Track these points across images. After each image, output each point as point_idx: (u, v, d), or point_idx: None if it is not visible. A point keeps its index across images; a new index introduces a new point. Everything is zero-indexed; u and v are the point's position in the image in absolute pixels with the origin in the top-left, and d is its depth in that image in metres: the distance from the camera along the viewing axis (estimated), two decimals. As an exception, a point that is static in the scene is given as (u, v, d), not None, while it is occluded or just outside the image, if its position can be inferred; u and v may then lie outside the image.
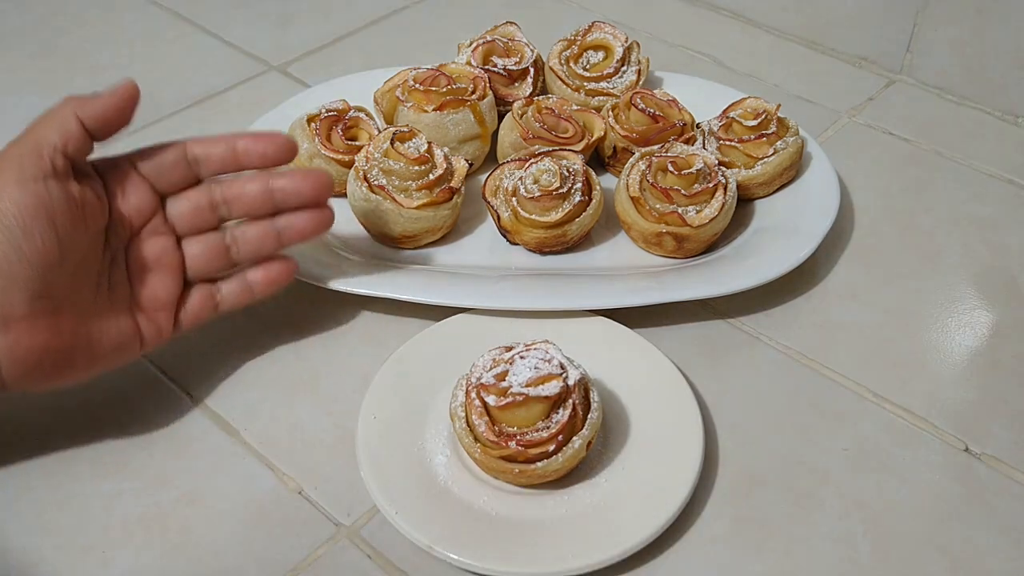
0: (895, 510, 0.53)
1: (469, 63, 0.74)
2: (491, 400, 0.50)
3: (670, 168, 0.64)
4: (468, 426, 0.51)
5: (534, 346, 0.52)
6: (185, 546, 0.51)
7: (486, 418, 0.51)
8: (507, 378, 0.51)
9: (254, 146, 0.55)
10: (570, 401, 0.51)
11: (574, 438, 0.51)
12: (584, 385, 0.53)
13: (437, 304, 0.61)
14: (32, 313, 0.48)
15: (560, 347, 0.53)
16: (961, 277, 0.67)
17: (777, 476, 0.54)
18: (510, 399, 0.50)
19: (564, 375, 0.51)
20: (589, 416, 0.52)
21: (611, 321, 0.61)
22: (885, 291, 0.66)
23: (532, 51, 0.77)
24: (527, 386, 0.50)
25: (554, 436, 0.50)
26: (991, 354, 0.62)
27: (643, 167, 0.66)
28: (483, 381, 0.51)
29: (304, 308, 0.64)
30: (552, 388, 0.50)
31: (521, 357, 0.51)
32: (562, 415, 0.50)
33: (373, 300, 0.63)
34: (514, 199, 0.65)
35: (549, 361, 0.51)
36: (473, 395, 0.51)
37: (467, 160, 0.68)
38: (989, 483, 0.54)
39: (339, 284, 0.62)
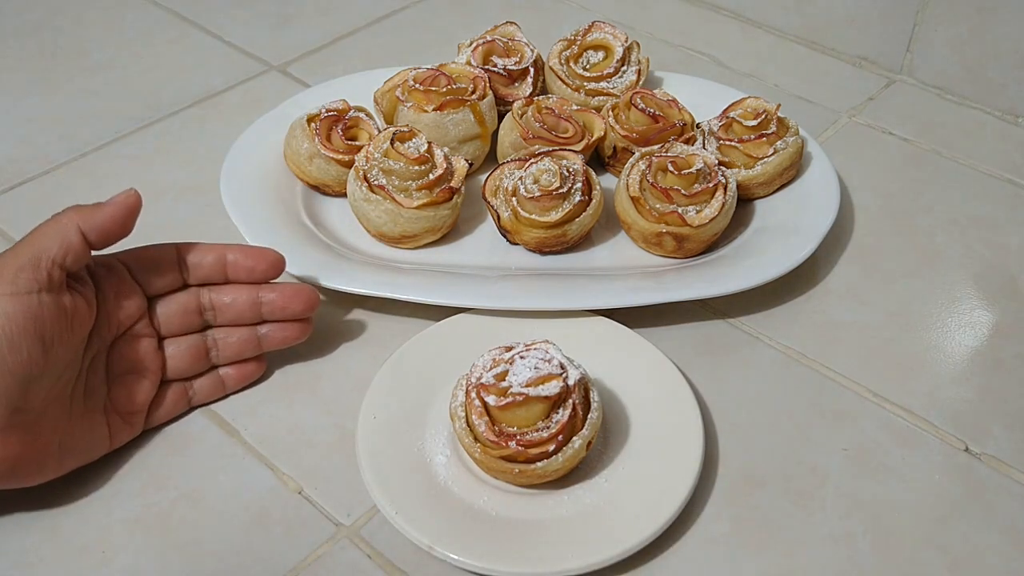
0: (895, 510, 0.53)
1: (469, 63, 0.74)
2: (491, 400, 0.50)
3: (670, 168, 0.64)
4: (468, 426, 0.51)
5: (534, 346, 0.52)
6: (185, 546, 0.51)
7: (486, 418, 0.51)
8: (507, 378, 0.51)
9: (243, 260, 0.56)
10: (570, 401, 0.51)
11: (574, 438, 0.51)
12: (584, 385, 0.53)
13: (437, 304, 0.61)
14: (8, 426, 0.47)
15: (560, 347, 0.53)
16: (961, 277, 0.67)
17: (777, 476, 0.54)
18: (510, 399, 0.50)
19: (564, 375, 0.51)
20: (589, 416, 0.52)
21: (611, 321, 0.61)
22: (885, 291, 0.66)
23: (532, 51, 0.77)
24: (527, 386, 0.50)
25: (554, 436, 0.50)
26: (991, 354, 0.62)
27: (643, 167, 0.66)
28: (483, 381, 0.51)
29: (304, 308, 0.64)
30: (552, 388, 0.50)
31: (521, 357, 0.51)
32: (562, 415, 0.50)
33: (373, 300, 0.63)
34: (514, 199, 0.65)
35: (549, 361, 0.51)
36: (473, 395, 0.51)
37: (467, 160, 0.68)
38: (989, 483, 0.54)
39: (339, 284, 0.62)
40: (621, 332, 0.60)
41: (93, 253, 0.52)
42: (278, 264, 0.57)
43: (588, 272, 0.65)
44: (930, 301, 0.65)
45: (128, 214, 0.52)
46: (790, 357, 0.61)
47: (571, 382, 0.51)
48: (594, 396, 0.53)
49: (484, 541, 0.50)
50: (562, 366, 0.51)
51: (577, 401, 0.51)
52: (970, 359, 0.61)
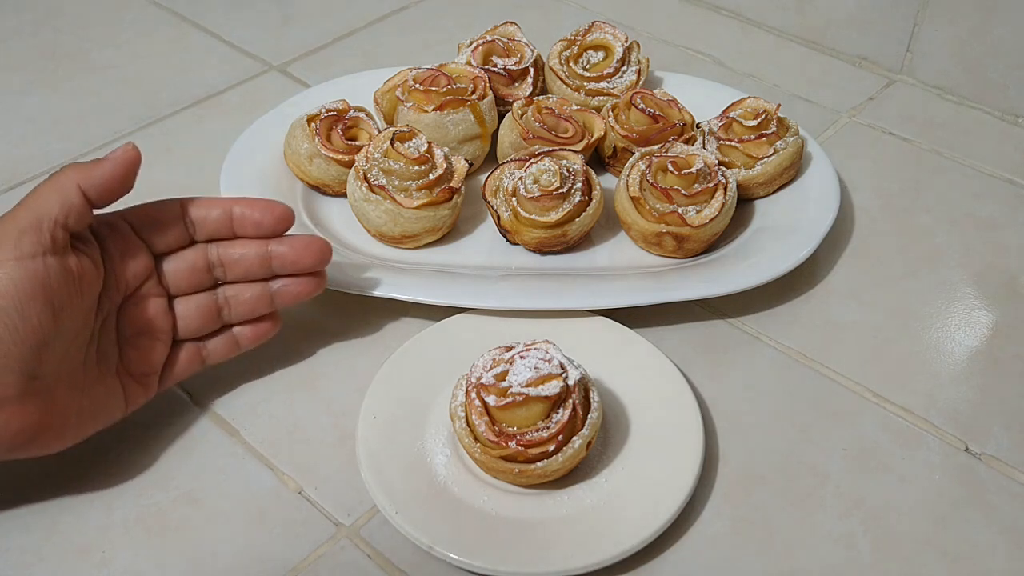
0: (895, 510, 0.53)
1: (469, 63, 0.74)
2: (491, 400, 0.50)
3: (670, 168, 0.64)
4: (468, 426, 0.51)
5: (534, 346, 0.52)
6: (185, 546, 0.51)
7: (486, 418, 0.51)
8: (507, 378, 0.51)
9: (250, 213, 0.55)
10: (570, 401, 0.51)
11: (574, 438, 0.51)
12: (584, 385, 0.53)
13: (437, 304, 0.61)
14: (24, 393, 0.47)
15: (560, 347, 0.53)
16: (961, 277, 0.67)
17: (777, 476, 0.54)
18: (510, 399, 0.50)
19: (564, 375, 0.51)
20: (589, 416, 0.52)
21: (611, 321, 0.61)
22: (885, 291, 0.66)
23: (532, 51, 0.77)
24: (527, 386, 0.50)
25: (554, 436, 0.50)
26: (991, 354, 0.62)
27: (643, 167, 0.66)
28: (483, 381, 0.51)
29: (304, 308, 0.64)
30: (552, 388, 0.50)
31: (521, 357, 0.51)
32: (562, 415, 0.50)
33: (373, 300, 0.63)
34: (514, 199, 0.65)
35: (549, 361, 0.51)
36: (473, 395, 0.51)
37: (467, 160, 0.68)
38: (989, 483, 0.54)
39: (339, 284, 0.62)
40: (621, 332, 0.60)
41: (95, 212, 0.50)
42: (286, 217, 0.55)
43: (588, 272, 0.65)
44: (930, 301, 0.65)
45: (128, 169, 0.50)
46: (790, 357, 0.61)
47: (571, 382, 0.51)
48: (594, 396, 0.53)
49: (484, 541, 0.50)
50: (562, 366, 0.51)
51: (577, 401, 0.51)
52: (970, 359, 0.61)
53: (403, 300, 0.61)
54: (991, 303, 0.65)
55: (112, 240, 0.52)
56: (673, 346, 0.61)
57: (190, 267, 0.55)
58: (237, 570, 0.50)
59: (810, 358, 0.61)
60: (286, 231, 0.56)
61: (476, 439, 0.51)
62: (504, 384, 0.50)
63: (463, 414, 0.52)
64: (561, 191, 0.63)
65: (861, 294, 0.65)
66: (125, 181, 0.50)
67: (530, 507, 0.52)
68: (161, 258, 0.54)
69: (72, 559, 0.51)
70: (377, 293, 0.61)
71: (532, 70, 0.76)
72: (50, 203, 0.48)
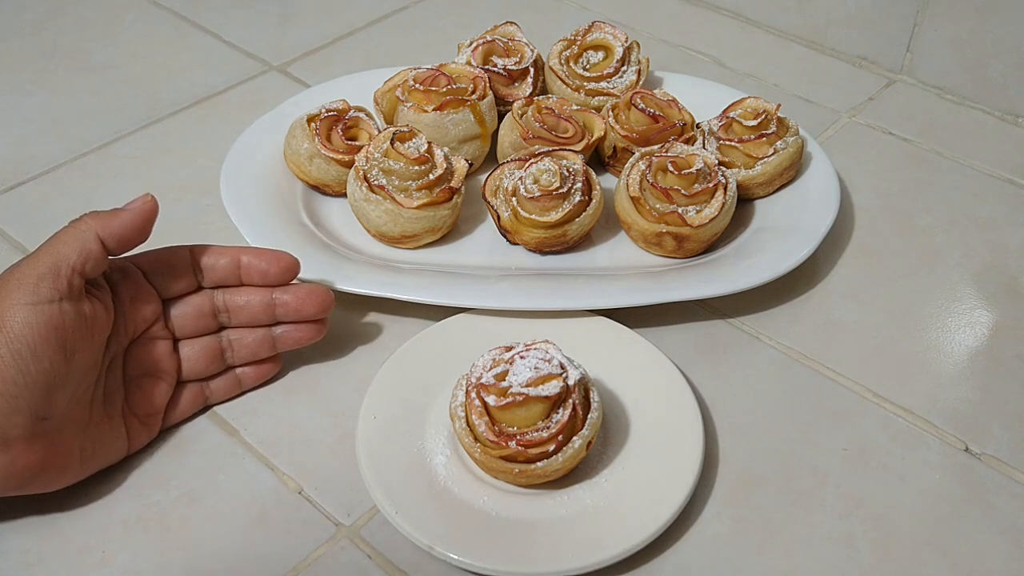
0: (895, 510, 0.53)
1: (469, 63, 0.74)
2: (491, 400, 0.50)
3: (670, 168, 0.64)
4: (468, 426, 0.51)
5: (534, 346, 0.52)
6: (185, 546, 0.51)
7: (486, 418, 0.51)
8: (507, 378, 0.51)
9: (257, 263, 0.56)
10: (570, 401, 0.51)
11: (574, 438, 0.51)
12: (584, 385, 0.53)
13: (437, 304, 0.61)
14: (32, 434, 0.48)
15: (560, 347, 0.53)
16: (961, 277, 0.67)
17: (777, 476, 0.54)
18: (510, 399, 0.50)
19: (564, 375, 0.51)
20: (589, 416, 0.52)
21: (611, 321, 0.61)
22: (885, 291, 0.66)
23: (532, 51, 0.77)
24: (527, 386, 0.50)
25: (554, 436, 0.50)
26: (991, 354, 0.62)
27: (643, 167, 0.66)
28: (483, 381, 0.51)
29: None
30: (552, 388, 0.50)
31: (521, 357, 0.51)
32: (562, 415, 0.50)
33: (373, 300, 0.63)
34: (514, 199, 0.65)
35: (549, 361, 0.51)
36: (473, 395, 0.51)
37: (467, 160, 0.68)
38: (989, 483, 0.54)
39: (339, 284, 0.62)
40: (621, 332, 0.60)
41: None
42: (292, 268, 0.57)
43: (588, 272, 0.65)
44: (930, 301, 0.65)
45: (146, 220, 0.52)
46: (790, 357, 0.61)
47: (571, 382, 0.51)
48: (594, 396, 0.52)
49: (484, 541, 0.50)
50: (562, 366, 0.51)
51: (577, 401, 0.51)
52: (970, 359, 0.61)
53: (403, 300, 0.61)
54: (991, 303, 0.65)
55: (124, 285, 0.53)
56: (673, 346, 0.61)
57: (196, 312, 0.56)
58: (237, 570, 0.50)
59: (810, 358, 0.61)
60: (291, 280, 0.57)
61: (476, 439, 0.51)
62: (504, 384, 0.50)
63: (463, 414, 0.52)
64: (561, 191, 0.63)
65: (861, 294, 0.65)
66: (143, 231, 0.52)
67: (530, 507, 0.52)
68: (169, 302, 0.56)
69: (72, 559, 0.51)
70: (377, 293, 0.61)
71: (532, 70, 0.76)
72: (69, 249, 0.49)
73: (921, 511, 0.53)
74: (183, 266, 0.55)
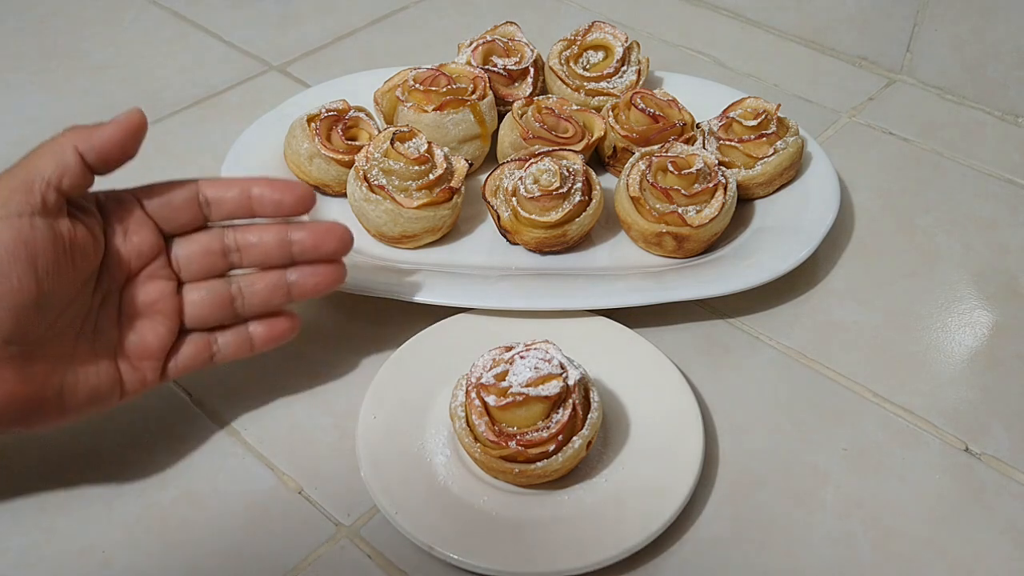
0: (895, 510, 0.53)
1: (469, 63, 0.74)
2: (491, 400, 0.50)
3: (670, 168, 0.64)
4: (468, 426, 0.51)
5: (534, 346, 0.52)
6: (185, 546, 0.51)
7: (486, 418, 0.51)
8: (507, 378, 0.51)
9: (270, 193, 0.52)
10: (570, 401, 0.51)
11: (574, 438, 0.51)
12: (584, 385, 0.53)
13: (437, 304, 0.61)
14: (1, 359, 0.44)
15: (560, 347, 0.52)
16: (961, 277, 0.67)
17: (777, 476, 0.54)
18: (510, 399, 0.50)
19: (564, 375, 0.51)
20: (589, 416, 0.52)
21: (611, 321, 0.61)
22: (885, 291, 0.66)
23: (532, 51, 0.77)
24: (527, 386, 0.50)
25: (554, 436, 0.50)
26: (991, 354, 0.62)
27: (643, 167, 0.66)
28: (483, 381, 0.51)
29: (304, 308, 0.64)
30: (552, 388, 0.50)
31: (521, 357, 0.51)
32: (562, 415, 0.50)
33: (373, 300, 0.63)
34: (514, 199, 0.65)
35: (549, 361, 0.51)
36: (473, 395, 0.51)
37: (467, 160, 0.68)
38: (989, 483, 0.54)
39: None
40: (621, 332, 0.60)
41: (101, 183, 0.48)
42: (307, 198, 0.52)
43: (588, 272, 0.65)
44: (930, 301, 0.65)
45: (130, 133, 0.48)
46: (790, 357, 0.61)
47: (571, 382, 0.51)
48: (594, 396, 0.52)
49: (484, 541, 0.50)
50: (562, 366, 0.51)
51: (577, 401, 0.51)
52: (970, 359, 0.61)
53: (403, 300, 0.61)
54: (991, 303, 0.65)
55: (117, 215, 0.50)
56: (673, 346, 0.61)
57: (204, 250, 0.52)
58: (237, 570, 0.50)
59: (810, 358, 0.61)
60: (307, 211, 0.53)
61: (476, 439, 0.51)
62: (504, 384, 0.50)
63: (463, 414, 0.52)
64: (561, 191, 0.63)
65: (861, 294, 0.65)
66: (126, 146, 0.48)
67: (530, 507, 0.52)
68: (172, 240, 0.52)
69: (72, 559, 0.51)
70: (377, 293, 0.61)
71: (532, 70, 0.76)
72: (44, 163, 0.46)
73: (921, 511, 0.53)
74: (187, 198, 0.51)
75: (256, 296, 0.53)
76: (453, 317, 0.61)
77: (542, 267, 0.66)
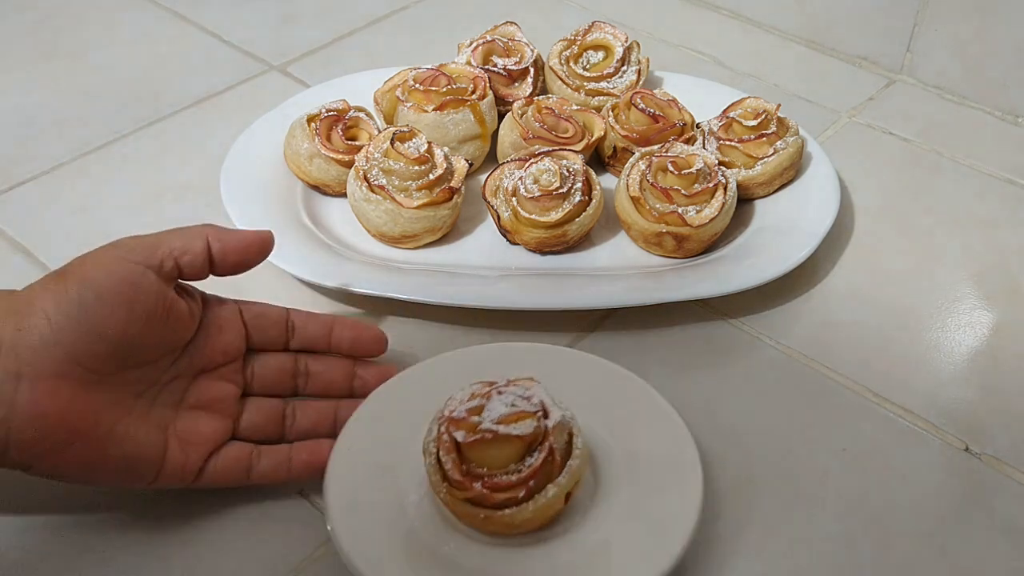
0: (895, 510, 0.53)
1: (469, 63, 0.74)
2: (459, 436, 0.46)
3: (670, 168, 0.64)
4: (438, 463, 0.48)
5: (517, 382, 0.49)
6: (185, 546, 0.51)
7: (453, 455, 0.47)
8: (481, 413, 0.47)
9: (348, 332, 0.56)
10: (546, 444, 0.47)
11: (549, 486, 0.46)
12: (568, 430, 0.48)
13: (437, 304, 0.61)
14: (61, 374, 0.46)
15: (546, 387, 0.49)
16: (961, 277, 0.67)
17: (777, 476, 0.54)
18: (478, 436, 0.46)
19: (539, 414, 0.47)
20: (569, 463, 0.47)
21: (624, 371, 0.55)
22: (885, 291, 0.66)
23: (532, 51, 0.77)
24: (499, 423, 0.46)
25: (523, 481, 0.46)
26: (991, 354, 0.62)
27: (643, 167, 0.66)
28: (455, 414, 0.47)
29: (304, 308, 0.63)
30: (525, 427, 0.46)
31: (499, 392, 0.48)
32: (536, 459, 0.46)
33: (373, 300, 0.63)
34: (514, 199, 0.65)
35: (528, 399, 0.48)
36: (443, 429, 0.48)
37: (467, 160, 0.68)
38: (989, 483, 0.54)
39: (339, 284, 0.62)
40: (630, 381, 0.54)
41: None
42: (379, 342, 0.56)
43: (588, 272, 0.65)
44: (930, 301, 0.65)
45: (258, 247, 0.52)
46: (790, 357, 0.61)
47: (550, 423, 0.47)
48: (578, 443, 0.48)
49: None
50: (543, 405, 0.48)
51: (556, 445, 0.47)
52: (970, 359, 0.61)
53: (403, 300, 0.61)
54: (991, 303, 0.65)
55: (217, 311, 0.53)
56: (673, 346, 0.61)
57: (279, 367, 0.55)
58: (237, 570, 0.50)
59: (810, 358, 0.61)
60: (379, 354, 0.57)
61: (444, 478, 0.48)
62: (475, 419, 0.47)
63: (434, 450, 0.48)
64: (561, 191, 0.63)
65: (861, 294, 0.65)
66: (248, 254, 0.52)
67: (499, 560, 0.47)
68: (254, 353, 0.55)
69: (72, 559, 0.51)
70: (377, 293, 0.61)
71: (532, 70, 0.76)
72: (174, 238, 0.50)
73: (921, 511, 0.53)
74: (279, 318, 0.55)
75: (306, 418, 0.55)
76: (444, 355, 0.57)
77: (542, 267, 0.66)
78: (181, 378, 0.52)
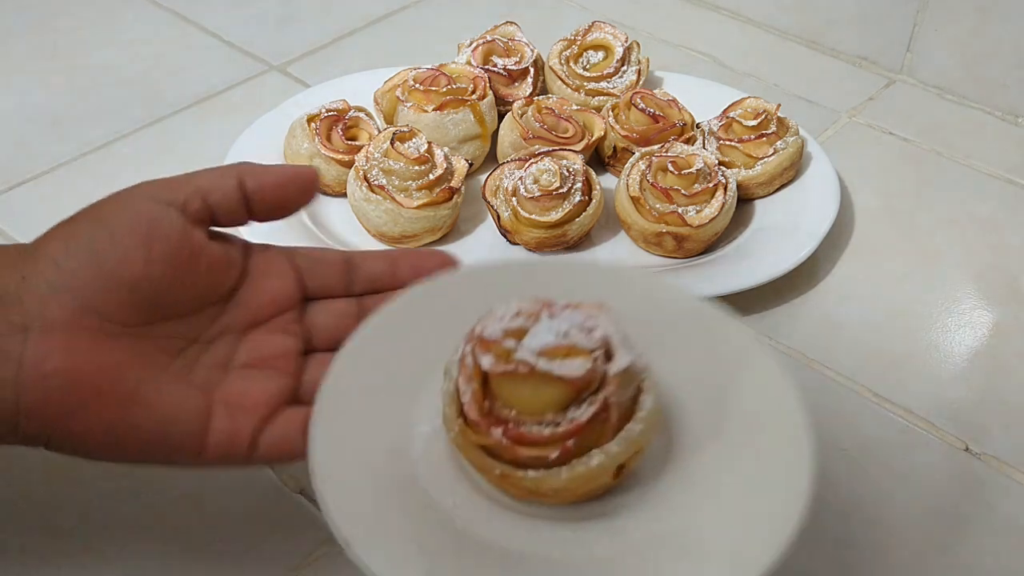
0: (895, 510, 0.53)
1: (469, 63, 0.74)
2: (486, 362, 0.35)
3: (670, 168, 0.64)
4: (456, 392, 0.38)
5: (580, 307, 0.37)
6: (185, 546, 0.51)
7: (475, 384, 0.37)
8: (522, 338, 0.36)
9: (413, 261, 0.48)
10: (601, 396, 0.36)
11: (595, 451, 0.36)
12: (637, 383, 0.37)
13: (437, 304, 0.61)
14: (75, 326, 0.40)
15: (619, 321, 0.37)
16: (961, 277, 0.67)
17: (777, 476, 0.54)
18: (511, 367, 0.35)
19: (599, 353, 0.36)
20: (628, 427, 0.36)
21: (736, 321, 0.43)
22: (885, 291, 0.66)
23: (532, 51, 0.77)
24: (541, 354, 0.35)
25: (560, 438, 0.35)
26: (991, 354, 0.61)
27: (643, 167, 0.66)
28: (487, 333, 0.36)
29: (304, 308, 0.64)
30: (574, 368, 0.35)
31: (551, 316, 0.36)
32: (582, 412, 0.36)
33: (373, 300, 0.63)
34: (514, 199, 0.65)
35: (589, 331, 0.36)
36: (469, 349, 0.37)
37: (467, 160, 0.68)
38: (989, 483, 0.54)
39: (339, 284, 0.61)
40: (740, 332, 0.42)
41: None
42: (450, 264, 0.48)
43: (588, 272, 0.65)
44: (930, 301, 0.65)
45: (299, 184, 0.45)
46: (790, 357, 0.61)
47: (612, 369, 0.36)
48: (646, 402, 0.37)
49: (426, 556, 0.35)
50: (607, 343, 0.36)
51: (614, 400, 0.36)
52: (970, 359, 0.61)
53: (403, 300, 0.61)
54: (991, 303, 0.65)
55: (263, 256, 0.47)
56: (673, 346, 0.61)
57: (342, 314, 0.47)
58: (237, 570, 0.50)
59: (810, 358, 0.61)
60: (449, 267, 0.49)
61: (460, 412, 0.37)
62: (510, 344, 0.36)
63: (456, 374, 0.38)
64: (561, 191, 0.63)
65: (861, 294, 0.65)
66: (287, 193, 0.45)
67: (510, 531, 0.36)
68: (313, 301, 0.48)
69: (72, 559, 0.51)
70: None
71: (532, 70, 0.76)
72: (203, 176, 0.45)
73: (921, 511, 0.53)
74: (335, 258, 0.48)
75: None
76: (531, 257, 0.48)
77: (542, 267, 0.66)
78: (228, 334, 0.45)
